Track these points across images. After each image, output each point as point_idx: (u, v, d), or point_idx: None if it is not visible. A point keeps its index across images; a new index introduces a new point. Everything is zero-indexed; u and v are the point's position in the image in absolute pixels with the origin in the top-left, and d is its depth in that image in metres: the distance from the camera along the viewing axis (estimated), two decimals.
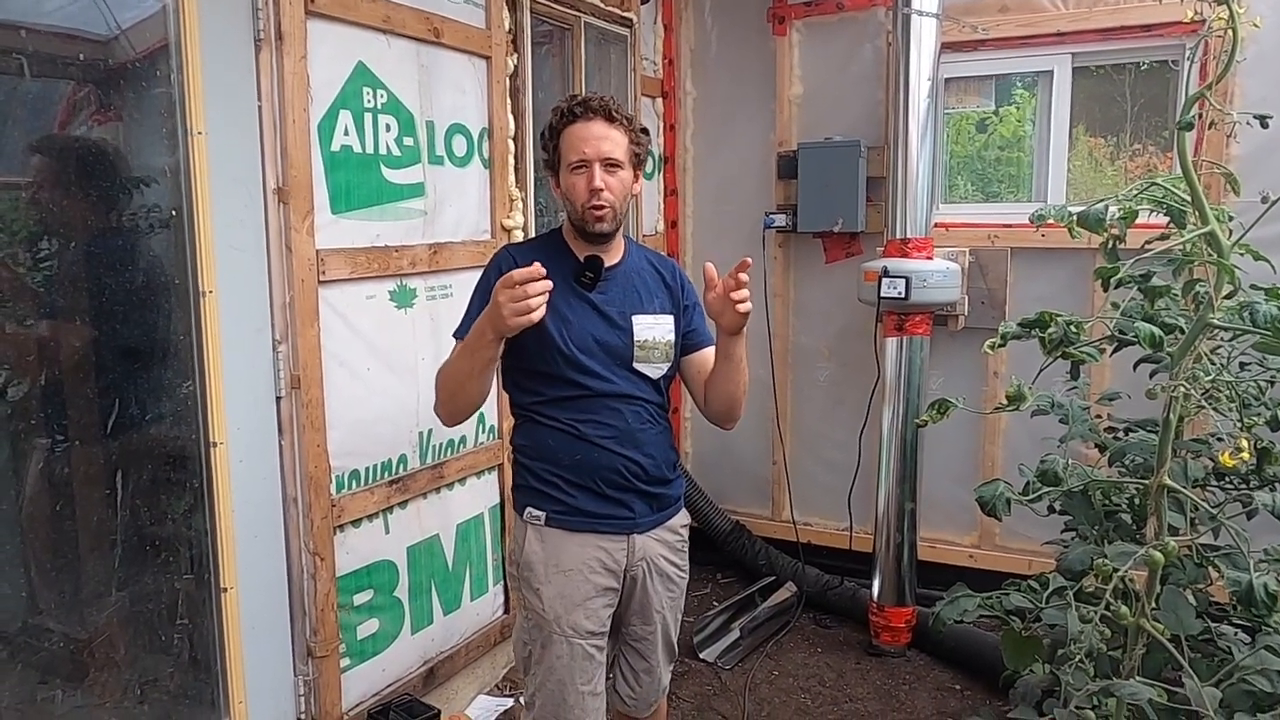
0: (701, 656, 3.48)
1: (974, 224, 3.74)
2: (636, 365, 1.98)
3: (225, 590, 2.24)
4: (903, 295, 3.25)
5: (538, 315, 1.69)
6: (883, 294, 3.29)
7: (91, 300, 2.09)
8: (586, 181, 1.89)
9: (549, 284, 1.69)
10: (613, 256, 2.02)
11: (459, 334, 1.95)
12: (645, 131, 2.01)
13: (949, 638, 3.35)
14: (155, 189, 2.18)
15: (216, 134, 2.14)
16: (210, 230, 2.14)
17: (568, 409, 1.97)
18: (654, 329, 2.00)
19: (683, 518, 2.17)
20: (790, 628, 3.76)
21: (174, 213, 2.13)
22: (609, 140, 1.90)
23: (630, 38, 3.86)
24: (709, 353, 2.07)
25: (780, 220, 3.95)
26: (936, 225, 3.53)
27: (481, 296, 1.90)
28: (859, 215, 3.77)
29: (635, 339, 1.98)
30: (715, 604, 3.84)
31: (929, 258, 3.35)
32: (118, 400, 2.09)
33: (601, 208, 1.90)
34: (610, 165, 1.90)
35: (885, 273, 3.28)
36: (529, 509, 2.02)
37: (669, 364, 2.04)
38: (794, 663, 3.51)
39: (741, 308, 1.82)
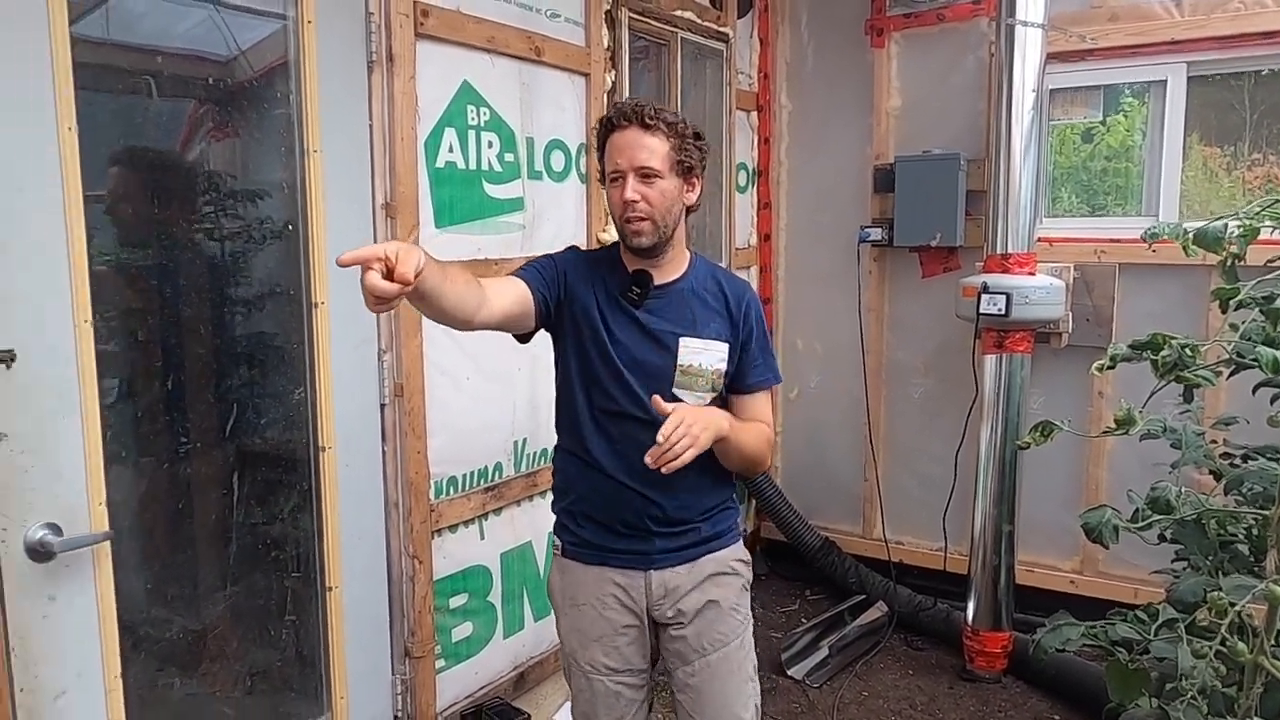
0: (789, 673, 3.45)
1: (1079, 238, 3.62)
2: (677, 390, 1.84)
3: (330, 589, 2.33)
4: (1003, 312, 3.18)
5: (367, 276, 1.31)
6: (982, 310, 3.21)
7: (213, 310, 2.20)
8: (620, 193, 1.79)
9: (382, 285, 1.30)
10: (668, 273, 1.89)
11: (519, 270, 1.86)
12: (699, 136, 1.85)
13: (1049, 666, 3.24)
14: (269, 203, 2.29)
15: (331, 152, 2.24)
16: (323, 244, 2.24)
17: (593, 435, 1.87)
18: (702, 354, 1.85)
19: (732, 553, 1.99)
20: (880, 648, 3.69)
21: (290, 227, 2.24)
22: (645, 149, 1.77)
23: (726, 52, 3.88)
24: (747, 402, 1.92)
25: (876, 234, 3.91)
26: (1039, 240, 3.43)
27: (543, 261, 1.89)
28: (957, 229, 3.70)
29: (679, 362, 1.85)
30: (803, 621, 3.80)
31: (1031, 273, 3.26)
32: (236, 405, 2.20)
33: (637, 219, 1.78)
34: (646, 175, 1.77)
35: (985, 289, 3.21)
36: (553, 536, 2.02)
37: (716, 395, 1.89)
38: (884, 684, 3.45)
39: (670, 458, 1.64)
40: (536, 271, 1.86)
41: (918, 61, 3.92)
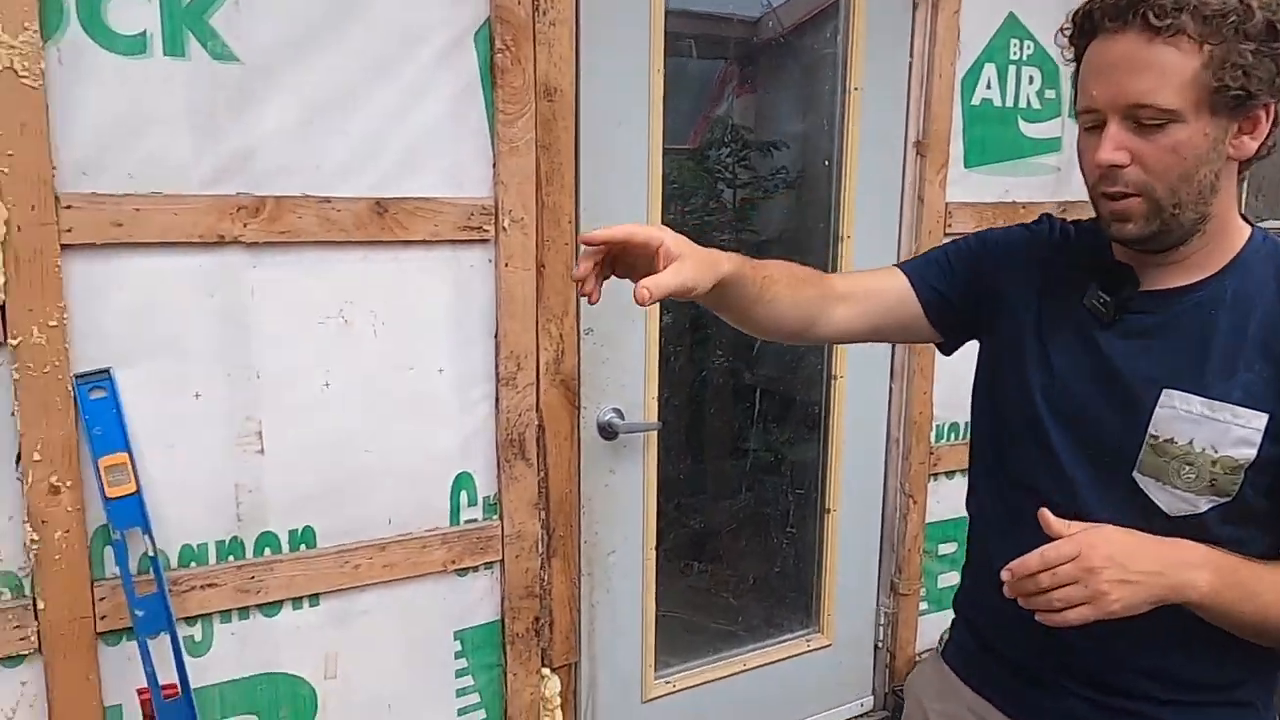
0: None
1: None
2: (1139, 478, 1.04)
3: (829, 511, 2.45)
4: None
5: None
6: None
7: (740, 242, 2.41)
8: (1094, 150, 1.00)
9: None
10: (1181, 273, 1.06)
11: (913, 260, 1.30)
12: (1274, 32, 0.96)
13: None
14: (787, 152, 2.43)
15: (870, 90, 2.30)
16: (854, 181, 2.31)
17: (992, 507, 1.21)
18: (1201, 425, 1.01)
19: None
20: None
21: (826, 162, 2.35)
22: (1144, 72, 0.95)
23: None
24: None
25: None
26: None
27: (967, 244, 1.26)
28: None
29: (1151, 430, 1.03)
30: None
31: None
32: None
33: (1119, 195, 1.00)
34: (1144, 120, 0.96)
35: None
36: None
37: (1222, 501, 1.01)
38: None
39: (1050, 608, 0.93)
40: (942, 260, 1.26)
41: None
